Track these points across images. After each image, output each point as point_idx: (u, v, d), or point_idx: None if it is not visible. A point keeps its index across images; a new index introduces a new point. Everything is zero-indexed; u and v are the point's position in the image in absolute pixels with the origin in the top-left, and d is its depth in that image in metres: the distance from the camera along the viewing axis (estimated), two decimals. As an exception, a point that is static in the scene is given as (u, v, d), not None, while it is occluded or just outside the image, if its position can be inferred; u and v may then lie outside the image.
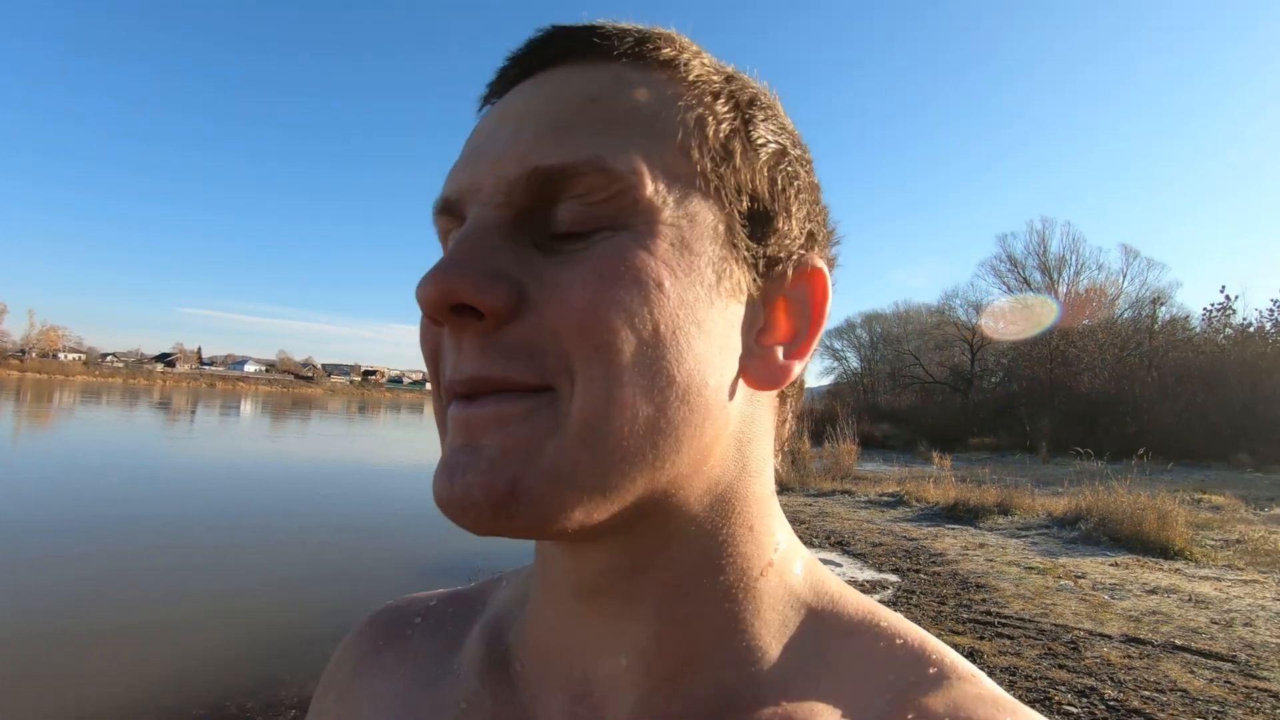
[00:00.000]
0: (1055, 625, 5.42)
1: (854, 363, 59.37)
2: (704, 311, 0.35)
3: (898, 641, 0.38)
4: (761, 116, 0.40)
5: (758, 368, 0.38)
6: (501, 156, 0.36)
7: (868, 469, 17.94)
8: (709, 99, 0.38)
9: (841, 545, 8.61)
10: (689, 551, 0.38)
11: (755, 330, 0.39)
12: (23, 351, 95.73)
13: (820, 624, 0.39)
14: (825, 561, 7.62)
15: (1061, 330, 32.19)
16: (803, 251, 0.40)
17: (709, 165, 0.37)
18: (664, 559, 0.38)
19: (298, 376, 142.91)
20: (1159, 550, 8.10)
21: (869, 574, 7.23)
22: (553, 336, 0.33)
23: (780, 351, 0.39)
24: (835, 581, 0.42)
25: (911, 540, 8.96)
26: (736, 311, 0.37)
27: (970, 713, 0.33)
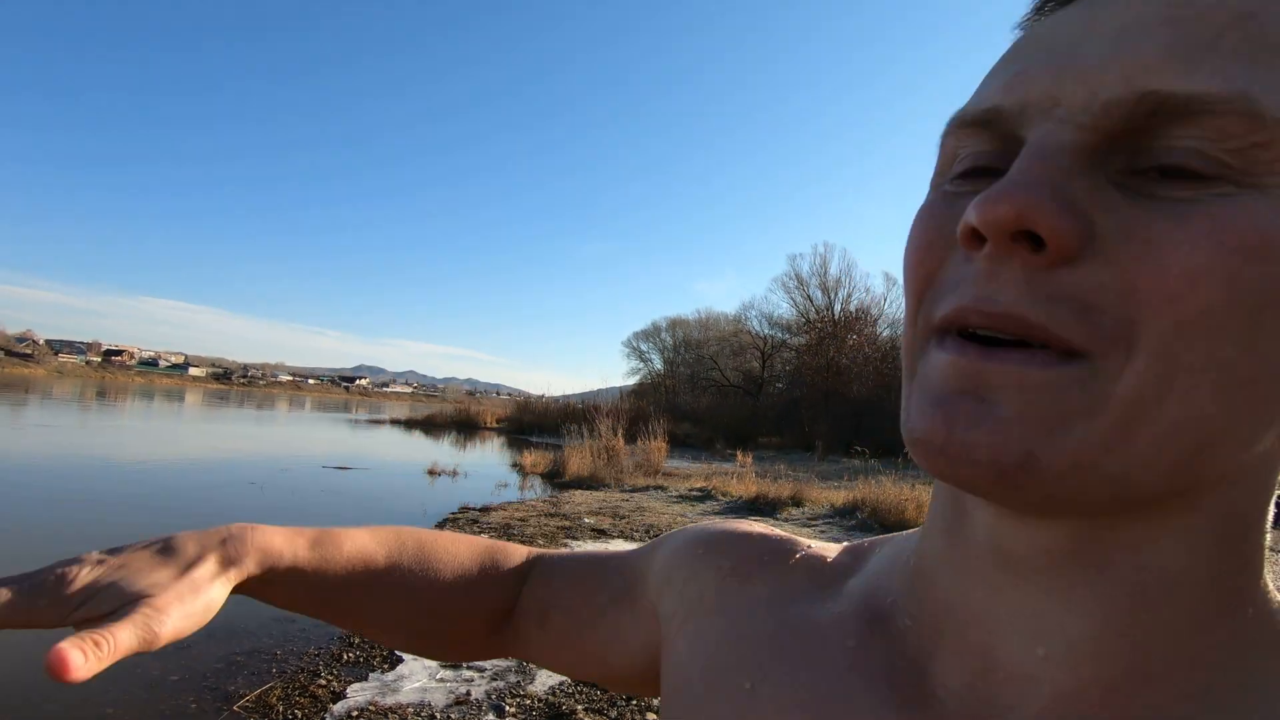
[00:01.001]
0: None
1: (658, 364, 62.27)
2: None
3: None
4: None
5: None
6: (1100, 68, 0.29)
7: (675, 465, 18.96)
8: None
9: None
10: (1171, 561, 0.32)
11: None
12: None
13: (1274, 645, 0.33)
14: (647, 554, 8.01)
15: (836, 343, 36.81)
16: None
17: None
18: (1135, 560, 0.32)
19: (8, 353, 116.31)
20: (917, 534, 9.59)
21: (689, 564, 7.68)
22: (1122, 295, 0.28)
23: None
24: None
25: (722, 531, 9.64)
26: None
27: None
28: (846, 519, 10.74)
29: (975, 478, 0.29)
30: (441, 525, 9.06)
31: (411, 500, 11.07)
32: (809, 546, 0.53)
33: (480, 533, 8.47)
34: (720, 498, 12.67)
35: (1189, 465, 0.29)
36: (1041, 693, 0.33)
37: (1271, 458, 0.32)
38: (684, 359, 58.86)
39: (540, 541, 8.17)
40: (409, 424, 37.66)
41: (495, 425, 37.60)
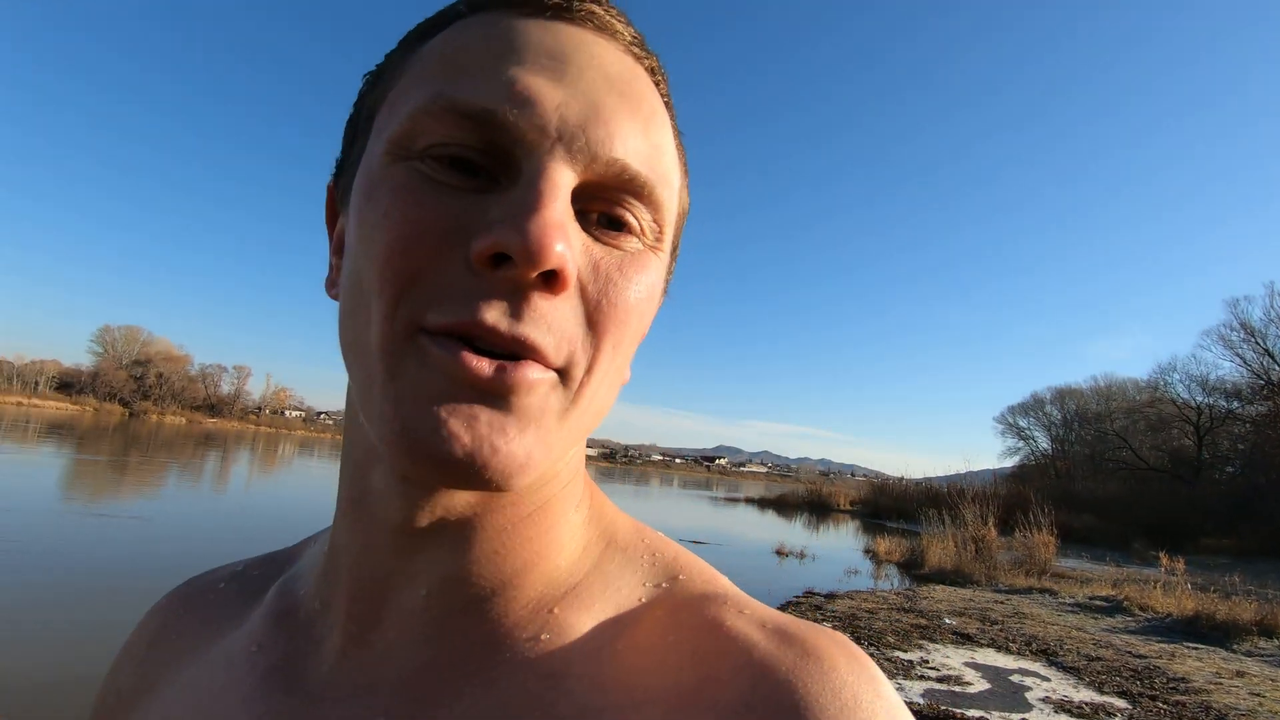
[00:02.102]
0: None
1: (1043, 443, 53.26)
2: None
3: (657, 554, 0.44)
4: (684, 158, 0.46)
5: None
6: (590, 119, 0.35)
7: (1070, 566, 15.59)
8: (683, 158, 0.44)
9: (1046, 655, 7.39)
10: (535, 496, 0.41)
11: None
12: (259, 409, 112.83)
13: (604, 542, 0.44)
14: (1028, 672, 6.62)
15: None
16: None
17: (683, 207, 0.44)
18: (510, 503, 0.40)
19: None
20: None
21: (1086, 694, 6.10)
22: (587, 324, 0.35)
23: None
24: (611, 506, 0.48)
25: (1140, 658, 7.50)
26: None
27: (702, 605, 0.39)
28: (1363, 665, 7.37)
29: (474, 475, 0.32)
30: (784, 609, 8.89)
31: (756, 579, 11.14)
32: (237, 569, 0.53)
33: (823, 622, 8.06)
34: (1137, 612, 9.90)
35: (585, 435, 0.40)
36: (417, 620, 0.40)
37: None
38: (1079, 436, 49.23)
39: (890, 639, 7.41)
40: (762, 503, 38.48)
41: (849, 507, 36.14)
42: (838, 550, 17.70)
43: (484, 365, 0.32)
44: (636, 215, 0.37)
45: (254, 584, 0.50)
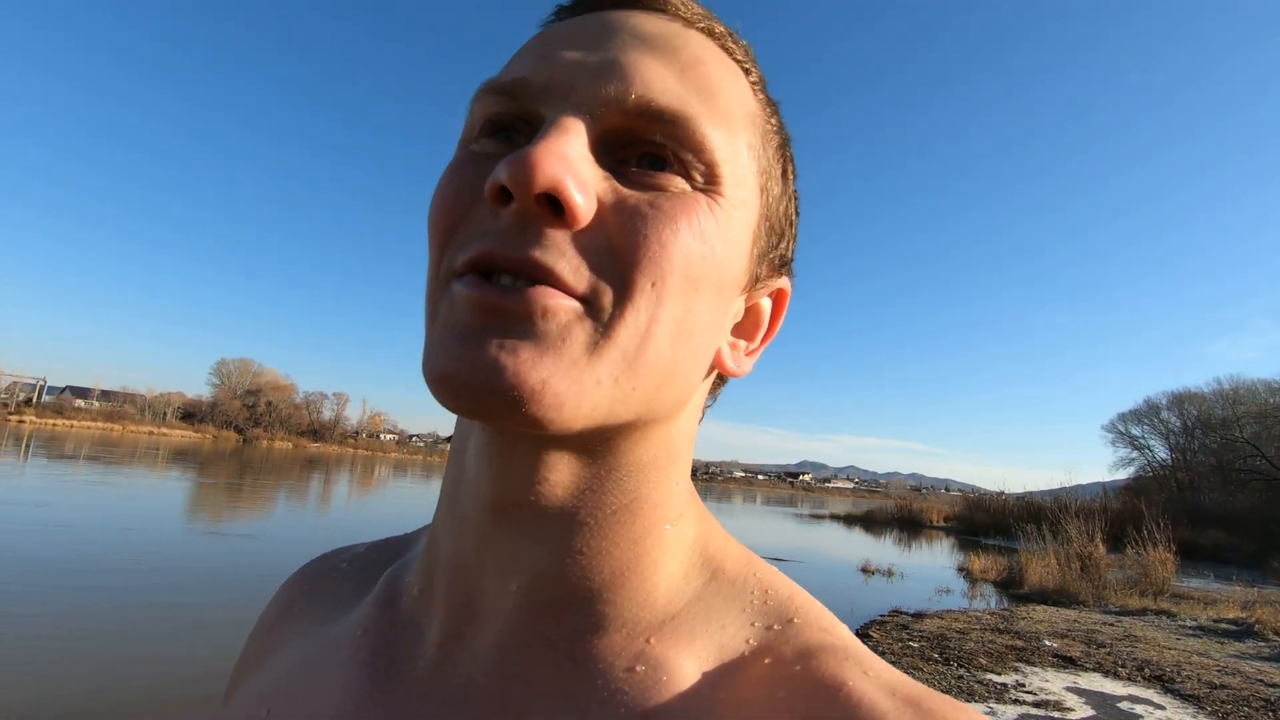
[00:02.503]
0: None
1: (1161, 452, 49.19)
2: (725, 290, 0.39)
3: (770, 591, 0.41)
4: (791, 151, 0.46)
5: (729, 355, 0.43)
6: (607, 70, 0.36)
7: (1194, 586, 14.28)
8: (767, 109, 0.43)
9: (1162, 681, 6.81)
10: (623, 489, 0.39)
11: (734, 322, 0.44)
12: (357, 432, 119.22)
13: (709, 572, 0.42)
14: (1139, 700, 6.14)
15: None
16: (785, 272, 0.47)
17: (764, 166, 0.42)
18: (597, 490, 0.39)
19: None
20: None
21: (1208, 724, 5.59)
22: (615, 257, 0.34)
23: (743, 346, 0.45)
24: (723, 534, 0.45)
25: (1273, 686, 6.79)
26: (733, 300, 0.42)
27: (819, 660, 0.35)
28: None
29: (489, 400, 0.32)
30: (867, 628, 8.60)
31: (840, 598, 10.81)
32: (358, 551, 0.55)
33: (909, 642, 7.76)
34: (1271, 636, 8.98)
35: (652, 401, 0.37)
36: (508, 620, 0.39)
37: (697, 399, 0.43)
38: (1203, 444, 45.06)
39: (982, 660, 7.04)
40: (849, 519, 37.26)
41: (942, 524, 34.41)
42: (928, 568, 16.92)
43: (499, 292, 0.33)
44: (678, 156, 0.36)
45: (371, 568, 0.52)
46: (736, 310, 0.43)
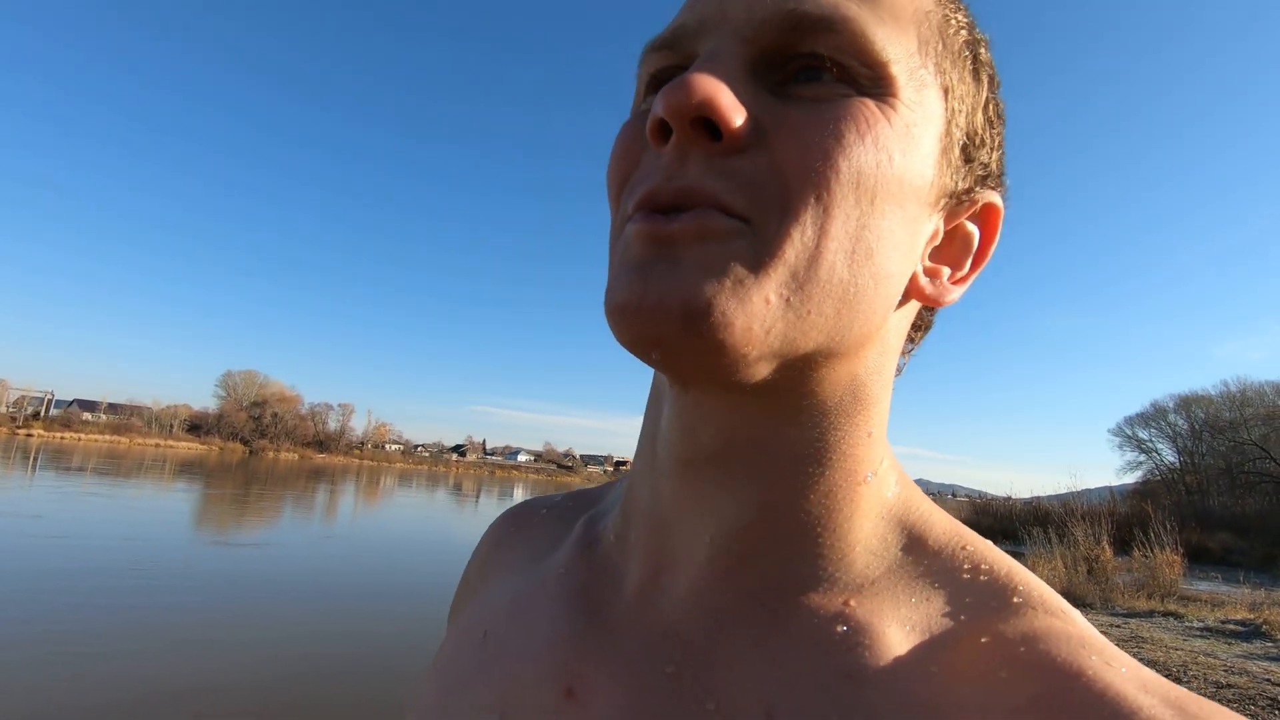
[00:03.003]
0: None
1: (1168, 456, 48.86)
2: (911, 204, 0.36)
3: (983, 566, 0.37)
4: (985, 44, 0.42)
5: (927, 282, 0.39)
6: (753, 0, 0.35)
7: (1202, 588, 14.19)
8: (951, 4, 0.40)
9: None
10: (809, 437, 0.37)
11: (932, 245, 0.40)
12: (362, 443, 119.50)
13: (907, 539, 0.39)
14: (1145, 699, 6.09)
15: None
16: (992, 186, 0.42)
17: (947, 66, 0.38)
18: (783, 438, 0.37)
19: (560, 465, 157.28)
20: None
21: (1214, 723, 5.57)
22: (776, 174, 0.33)
23: (946, 273, 0.40)
24: (928, 503, 0.41)
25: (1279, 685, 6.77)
26: (927, 218, 0.38)
27: (1050, 645, 0.32)
28: None
29: (665, 329, 0.32)
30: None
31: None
32: (557, 499, 0.58)
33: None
34: (1279, 637, 8.94)
35: (833, 329, 0.34)
36: (702, 572, 0.39)
37: (890, 335, 0.39)
38: (1211, 447, 44.79)
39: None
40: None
41: (949, 529, 34.19)
42: (935, 573, 16.82)
43: (663, 222, 0.33)
44: (837, 60, 0.35)
45: (567, 514, 0.55)
46: (935, 230, 0.39)
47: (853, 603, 0.36)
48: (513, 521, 0.58)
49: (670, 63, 0.38)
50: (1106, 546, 13.71)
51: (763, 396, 0.36)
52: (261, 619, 7.83)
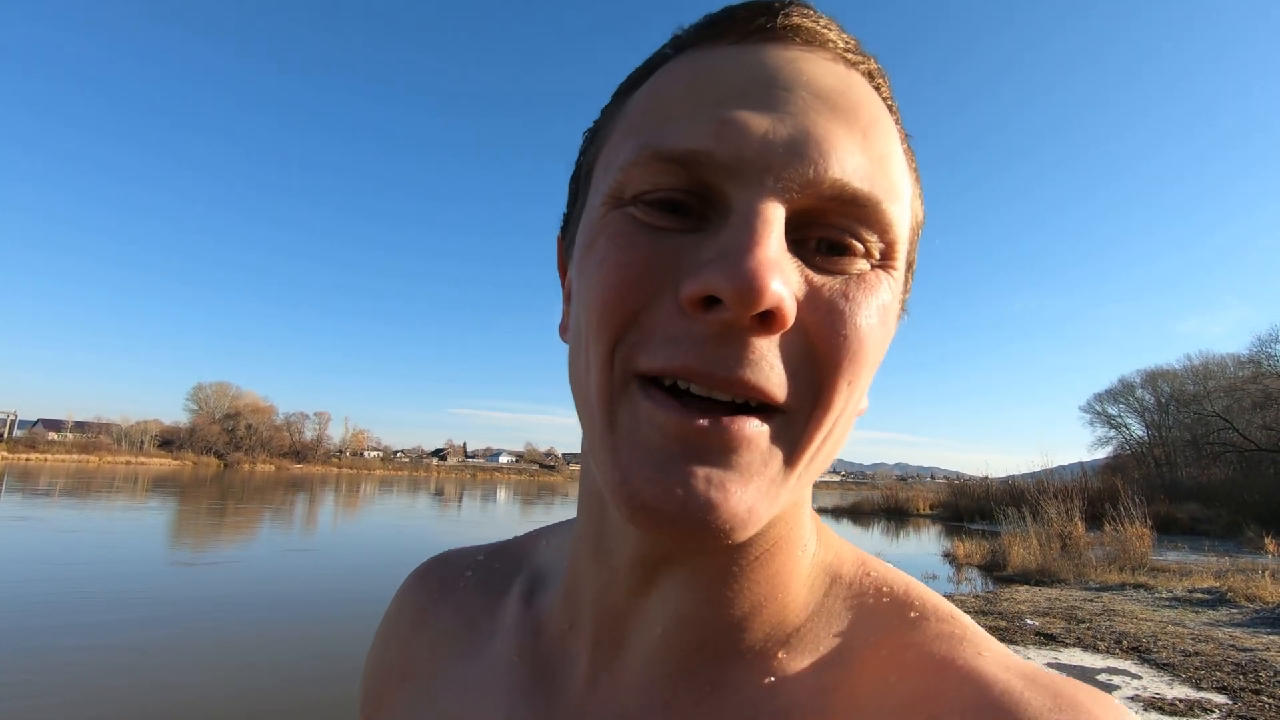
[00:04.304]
0: None
1: (1137, 430, 50.15)
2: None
3: (884, 589, 0.42)
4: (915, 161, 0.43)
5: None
6: (801, 146, 0.33)
7: (1171, 559, 14.61)
8: (912, 163, 0.41)
9: (1139, 652, 7.01)
10: (766, 537, 0.40)
11: None
12: (340, 451, 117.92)
13: (829, 582, 0.43)
14: (1117, 671, 6.32)
15: None
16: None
17: (913, 233, 0.41)
18: (740, 547, 0.39)
19: (542, 466, 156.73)
20: None
21: (1182, 690, 5.77)
22: (810, 356, 0.33)
23: None
24: (832, 535, 0.46)
25: (1244, 650, 7.02)
26: None
27: (933, 646, 0.37)
28: None
29: (701, 536, 0.32)
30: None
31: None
32: (478, 557, 0.57)
33: (896, 627, 7.87)
34: (1243, 603, 9.26)
35: (815, 477, 0.38)
36: (653, 656, 0.41)
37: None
38: (1177, 420, 46.02)
39: (965, 642, 7.17)
40: (836, 512, 37.48)
41: (928, 512, 34.89)
42: (915, 555, 17.13)
43: (700, 422, 0.32)
44: (861, 237, 0.35)
45: (495, 577, 0.54)
46: None
47: (782, 654, 0.39)
48: (436, 588, 0.56)
49: (678, 185, 0.34)
50: (1079, 523, 14.07)
51: None
52: (240, 638, 7.72)
